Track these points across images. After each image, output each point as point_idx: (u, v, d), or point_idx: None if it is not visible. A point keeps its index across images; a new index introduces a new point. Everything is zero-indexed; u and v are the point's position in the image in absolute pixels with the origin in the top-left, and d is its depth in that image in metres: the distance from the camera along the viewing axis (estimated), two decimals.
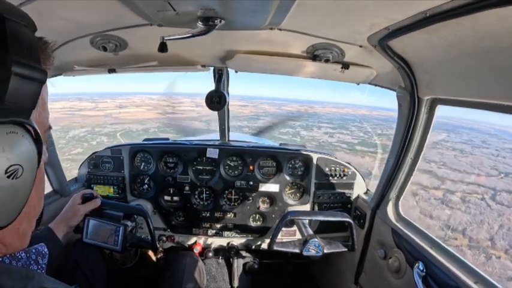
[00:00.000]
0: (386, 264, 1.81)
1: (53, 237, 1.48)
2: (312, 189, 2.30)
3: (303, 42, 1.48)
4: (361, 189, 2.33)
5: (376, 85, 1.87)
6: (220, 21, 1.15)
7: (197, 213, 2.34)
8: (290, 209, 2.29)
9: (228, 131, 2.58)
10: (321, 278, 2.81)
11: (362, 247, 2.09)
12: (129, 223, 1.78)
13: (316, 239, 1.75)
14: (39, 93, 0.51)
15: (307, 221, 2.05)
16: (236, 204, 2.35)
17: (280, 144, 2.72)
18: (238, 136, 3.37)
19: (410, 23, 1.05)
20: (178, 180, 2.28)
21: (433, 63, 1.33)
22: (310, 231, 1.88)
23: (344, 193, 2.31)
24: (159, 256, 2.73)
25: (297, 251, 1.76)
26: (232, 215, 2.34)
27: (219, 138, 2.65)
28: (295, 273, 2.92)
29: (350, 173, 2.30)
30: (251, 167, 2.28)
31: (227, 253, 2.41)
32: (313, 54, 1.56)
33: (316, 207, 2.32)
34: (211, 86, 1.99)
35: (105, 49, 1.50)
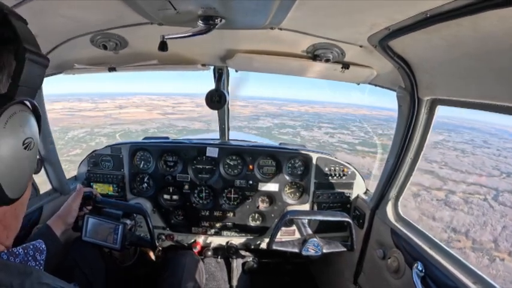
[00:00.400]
0: (385, 264, 1.81)
1: (51, 235, 1.49)
2: (312, 188, 2.31)
3: (304, 42, 1.48)
4: (360, 189, 2.33)
5: (376, 85, 1.87)
6: (221, 21, 1.15)
7: (196, 212, 2.35)
8: (289, 208, 2.30)
9: (228, 130, 2.58)
10: (320, 277, 2.81)
11: (361, 247, 2.09)
12: (128, 221, 1.78)
13: (315, 239, 1.75)
14: (44, 75, 0.58)
15: (307, 220, 2.04)
16: (235, 203, 2.35)
17: (280, 143, 2.72)
18: (238, 135, 3.37)
19: (411, 23, 1.05)
20: (177, 179, 2.28)
21: (433, 64, 1.33)
22: (310, 231, 1.88)
23: (343, 193, 2.32)
24: (158, 255, 2.74)
25: (296, 250, 1.76)
26: (232, 214, 2.34)
27: (218, 137, 2.65)
28: (294, 273, 2.92)
29: (349, 172, 2.30)
30: (251, 166, 2.28)
31: (226, 252, 2.41)
32: (313, 54, 1.56)
33: (315, 207, 2.32)
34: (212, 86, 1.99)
35: (105, 47, 1.50)
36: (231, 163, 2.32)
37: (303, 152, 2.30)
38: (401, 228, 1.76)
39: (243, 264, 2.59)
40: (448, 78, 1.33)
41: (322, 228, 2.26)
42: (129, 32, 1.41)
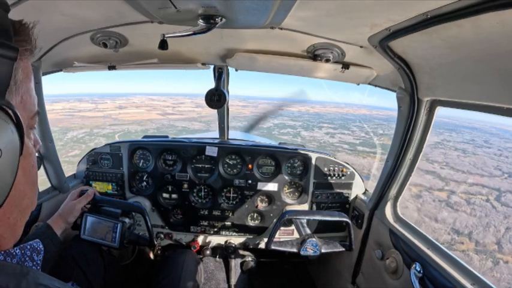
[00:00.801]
0: (384, 264, 1.81)
1: (51, 234, 1.49)
2: (311, 188, 2.31)
3: (304, 42, 1.48)
4: (359, 189, 2.33)
5: (376, 86, 1.87)
6: (221, 20, 1.15)
7: (195, 211, 2.35)
8: (288, 208, 2.30)
9: (228, 129, 2.58)
10: (318, 277, 2.82)
11: (359, 247, 2.10)
12: (127, 220, 1.79)
13: (313, 239, 1.75)
14: (11, 72, 0.49)
15: (305, 220, 2.05)
16: (234, 202, 2.35)
17: (280, 143, 2.72)
18: (238, 135, 3.37)
19: (411, 24, 1.05)
20: (176, 177, 2.28)
21: (433, 65, 1.32)
22: (308, 231, 1.88)
23: (342, 193, 2.32)
24: (156, 254, 2.74)
25: (295, 250, 1.76)
26: (231, 213, 2.34)
27: (218, 136, 2.65)
28: (293, 273, 2.92)
29: (349, 173, 2.30)
30: (250, 166, 2.28)
31: (225, 251, 2.42)
32: (313, 54, 1.56)
33: (314, 207, 2.32)
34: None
35: (105, 46, 1.50)
36: (230, 162, 2.32)
37: (302, 151, 2.30)
38: (400, 229, 1.76)
39: (242, 264, 2.59)
40: (448, 80, 1.33)
41: (320, 228, 2.26)
42: (129, 30, 1.41)
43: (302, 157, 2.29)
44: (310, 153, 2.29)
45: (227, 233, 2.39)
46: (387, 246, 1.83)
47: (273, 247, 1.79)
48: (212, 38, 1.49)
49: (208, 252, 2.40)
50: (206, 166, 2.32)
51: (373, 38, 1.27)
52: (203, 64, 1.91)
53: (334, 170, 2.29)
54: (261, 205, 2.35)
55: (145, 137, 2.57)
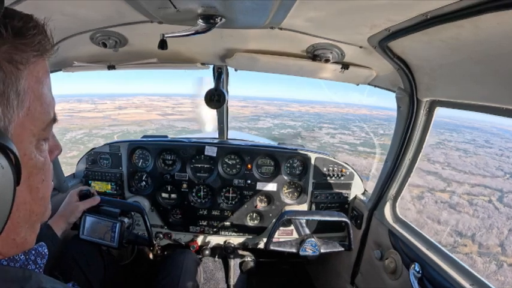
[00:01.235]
0: (383, 265, 1.81)
1: (52, 234, 1.49)
2: (310, 188, 2.31)
3: (303, 42, 1.47)
4: (358, 189, 2.33)
5: (375, 86, 1.87)
6: (221, 20, 1.14)
7: (194, 211, 2.35)
8: (287, 208, 2.30)
9: (227, 129, 2.58)
10: (317, 277, 2.82)
11: (358, 248, 2.10)
12: (126, 220, 1.78)
13: (313, 239, 1.75)
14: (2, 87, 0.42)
15: (304, 220, 2.05)
16: (233, 202, 2.35)
17: (279, 143, 2.72)
18: (237, 135, 3.37)
19: (411, 24, 1.05)
20: (176, 177, 2.28)
21: (433, 66, 1.32)
22: (307, 231, 1.88)
23: (341, 193, 2.32)
24: (155, 253, 2.74)
25: (294, 250, 1.76)
26: (230, 213, 2.34)
27: (217, 136, 2.65)
28: (292, 273, 2.92)
29: (348, 173, 2.30)
30: (249, 166, 2.28)
31: (224, 252, 2.42)
32: (313, 54, 1.56)
33: (313, 207, 2.32)
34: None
35: (105, 45, 1.49)
36: (230, 162, 2.32)
37: (301, 151, 2.30)
38: (399, 229, 1.76)
39: (241, 264, 2.59)
40: (447, 80, 1.33)
41: (320, 229, 2.26)
42: (129, 30, 1.41)
43: (301, 157, 2.29)
44: (309, 153, 2.29)
45: (226, 233, 2.39)
46: (386, 246, 1.84)
47: (272, 247, 1.78)
48: (212, 38, 1.48)
49: (207, 252, 2.40)
50: (205, 166, 2.32)
51: (373, 38, 1.27)
52: (203, 64, 1.91)
53: (333, 170, 2.29)
54: (260, 205, 2.35)
55: (144, 137, 2.57)
